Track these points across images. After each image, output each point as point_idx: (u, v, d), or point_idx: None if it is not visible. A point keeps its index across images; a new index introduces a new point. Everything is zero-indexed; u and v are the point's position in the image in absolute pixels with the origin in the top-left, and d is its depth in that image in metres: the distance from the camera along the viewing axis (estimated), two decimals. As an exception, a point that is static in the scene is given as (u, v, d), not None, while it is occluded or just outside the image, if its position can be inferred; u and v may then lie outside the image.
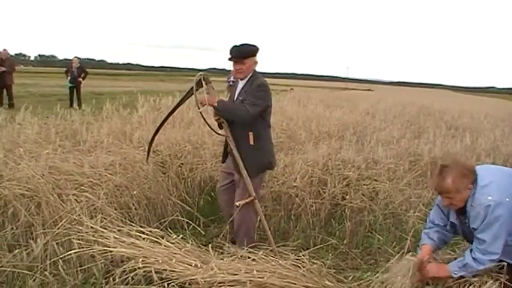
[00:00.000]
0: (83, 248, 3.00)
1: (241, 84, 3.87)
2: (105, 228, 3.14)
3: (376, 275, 3.06)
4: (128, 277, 2.79)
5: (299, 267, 2.88)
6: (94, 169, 4.21)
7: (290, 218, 4.64)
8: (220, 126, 3.85)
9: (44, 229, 3.38)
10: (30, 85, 24.60)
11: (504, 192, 2.60)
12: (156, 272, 2.75)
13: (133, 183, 4.33)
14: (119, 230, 3.16)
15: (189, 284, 2.72)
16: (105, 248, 2.94)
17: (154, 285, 2.77)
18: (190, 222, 3.83)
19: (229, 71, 4.25)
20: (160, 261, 2.81)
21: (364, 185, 4.97)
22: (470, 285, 2.62)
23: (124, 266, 2.83)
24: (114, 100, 8.45)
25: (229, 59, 3.79)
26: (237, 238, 3.94)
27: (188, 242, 3.13)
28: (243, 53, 3.73)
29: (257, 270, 2.75)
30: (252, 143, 3.73)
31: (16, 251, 3.20)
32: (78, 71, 15.21)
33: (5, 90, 13.96)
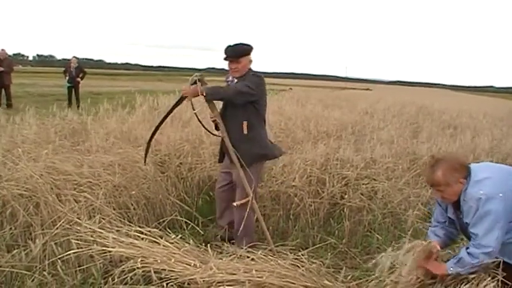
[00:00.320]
0: (81, 248, 3.00)
1: (236, 82, 3.91)
2: (104, 229, 3.15)
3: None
4: (126, 277, 2.79)
5: (298, 266, 2.88)
6: (93, 169, 4.21)
7: (289, 218, 4.64)
8: (217, 127, 3.86)
9: (43, 229, 3.37)
10: (29, 85, 24.57)
11: (498, 187, 2.61)
12: (155, 272, 2.75)
13: (132, 183, 4.33)
14: (117, 230, 3.16)
15: (188, 283, 2.72)
16: (104, 248, 2.94)
17: (153, 285, 2.76)
18: (189, 222, 3.83)
19: (228, 70, 4.27)
20: (159, 261, 2.81)
21: (362, 184, 4.97)
22: (468, 282, 2.61)
23: (123, 266, 2.83)
24: (112, 100, 8.45)
25: (225, 59, 3.84)
26: (236, 238, 3.94)
27: (187, 242, 3.13)
28: (238, 53, 3.78)
29: (256, 270, 2.75)
30: (245, 132, 3.76)
31: (15, 251, 3.20)
32: (76, 71, 15.19)
33: (3, 90, 13.95)
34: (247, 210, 3.80)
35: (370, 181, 5.03)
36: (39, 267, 3.09)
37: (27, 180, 3.70)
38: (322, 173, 5.11)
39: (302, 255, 2.99)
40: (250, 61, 3.89)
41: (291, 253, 3.04)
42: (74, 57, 15.69)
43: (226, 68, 3.95)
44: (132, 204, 4.13)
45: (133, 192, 4.20)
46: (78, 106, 12.64)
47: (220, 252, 3.23)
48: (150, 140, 4.25)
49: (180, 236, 3.17)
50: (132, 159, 4.69)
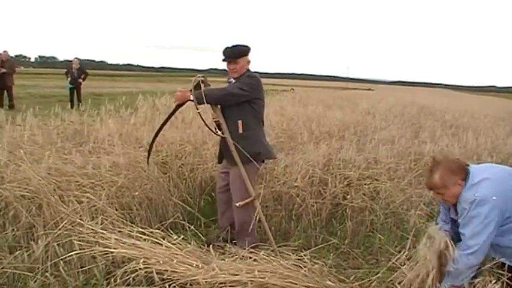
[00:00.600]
0: (84, 249, 3.00)
1: (234, 82, 3.95)
2: (106, 229, 3.16)
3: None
4: (129, 278, 2.80)
5: (300, 267, 2.88)
6: (95, 170, 4.21)
7: (291, 218, 4.64)
8: (219, 127, 3.87)
9: (45, 230, 3.38)
10: (31, 86, 24.59)
11: (494, 189, 2.61)
12: (157, 273, 2.76)
13: (135, 184, 4.33)
14: (119, 231, 3.17)
15: (190, 284, 2.73)
16: (106, 249, 2.95)
17: (155, 286, 2.77)
18: (191, 223, 3.83)
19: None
20: (161, 262, 2.81)
21: (365, 184, 4.97)
22: (471, 284, 2.61)
23: (125, 267, 2.83)
24: (114, 101, 8.45)
25: (223, 60, 3.89)
26: (238, 239, 3.94)
27: (189, 243, 3.14)
28: (236, 53, 3.83)
29: (258, 271, 2.75)
30: (240, 131, 3.79)
31: (17, 253, 3.21)
32: (78, 72, 15.21)
33: (5, 92, 13.98)
34: (248, 210, 3.81)
35: (373, 181, 5.02)
36: (42, 269, 3.10)
37: (30, 182, 3.71)
38: (324, 173, 5.11)
39: (304, 255, 2.99)
40: (248, 62, 3.93)
41: (293, 253, 3.04)
42: (76, 58, 15.71)
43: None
44: (134, 205, 4.13)
45: (136, 193, 4.21)
46: (80, 107, 12.65)
47: (223, 253, 3.23)
48: (152, 143, 4.26)
49: (182, 236, 3.18)
50: (135, 160, 4.69)
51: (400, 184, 5.00)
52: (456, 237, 3.01)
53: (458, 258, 2.62)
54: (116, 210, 3.82)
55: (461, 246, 2.65)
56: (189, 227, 3.82)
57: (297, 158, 5.37)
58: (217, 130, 3.87)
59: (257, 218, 3.97)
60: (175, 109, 3.98)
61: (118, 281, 2.83)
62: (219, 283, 2.68)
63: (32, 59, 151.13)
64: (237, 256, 3.03)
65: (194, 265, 2.82)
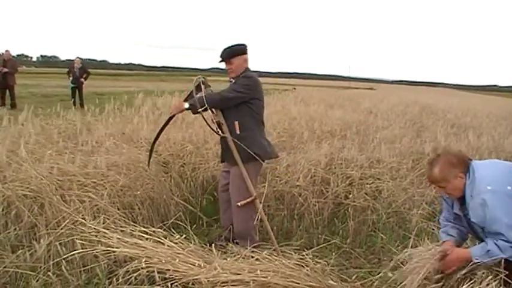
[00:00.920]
0: (86, 248, 3.00)
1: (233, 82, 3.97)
2: (108, 229, 3.15)
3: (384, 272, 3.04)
4: (131, 277, 2.80)
5: (302, 266, 2.87)
6: (97, 169, 4.21)
7: (293, 218, 4.64)
8: (220, 127, 3.88)
9: (47, 230, 3.38)
10: (32, 86, 24.62)
11: (504, 181, 2.59)
12: (159, 272, 2.76)
13: (136, 183, 4.34)
14: (122, 230, 3.17)
15: (192, 284, 2.72)
16: (108, 248, 2.95)
17: (157, 285, 2.77)
18: (193, 224, 3.83)
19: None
20: (163, 261, 2.81)
21: (367, 184, 4.97)
22: (470, 280, 2.60)
23: (127, 266, 2.83)
24: (115, 100, 8.44)
25: (220, 61, 3.95)
26: (239, 238, 3.94)
27: (191, 242, 3.13)
28: (230, 53, 3.87)
29: (261, 270, 2.75)
30: (238, 132, 3.80)
31: (19, 252, 3.21)
32: (80, 72, 15.22)
33: (7, 91, 14.00)
34: (248, 210, 3.82)
35: (375, 181, 5.03)
36: (44, 268, 3.09)
37: (32, 181, 3.71)
38: (327, 172, 5.11)
39: (306, 255, 2.98)
40: (245, 60, 3.94)
41: (295, 253, 3.03)
42: (78, 57, 15.72)
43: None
44: (136, 205, 4.14)
45: (138, 192, 4.21)
46: (81, 106, 12.67)
47: (225, 252, 3.22)
48: (154, 142, 4.28)
49: (184, 236, 3.17)
50: (136, 159, 4.69)
51: (402, 183, 4.99)
52: (461, 240, 3.00)
53: (500, 250, 2.53)
54: (118, 209, 3.83)
55: (502, 239, 2.55)
56: (191, 227, 3.82)
57: (299, 157, 5.37)
58: (218, 130, 3.88)
59: (259, 217, 3.97)
60: (169, 119, 4.08)
61: (120, 280, 2.83)
62: (221, 282, 2.67)
63: (34, 59, 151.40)
64: (239, 255, 3.02)
65: (196, 264, 2.82)
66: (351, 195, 4.79)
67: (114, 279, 2.90)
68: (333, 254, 3.72)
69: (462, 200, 2.76)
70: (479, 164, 2.74)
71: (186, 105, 3.76)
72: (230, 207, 4.06)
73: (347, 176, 5.12)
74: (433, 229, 4.05)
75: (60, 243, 3.20)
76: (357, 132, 8.05)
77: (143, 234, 3.08)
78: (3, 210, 3.53)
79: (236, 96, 3.77)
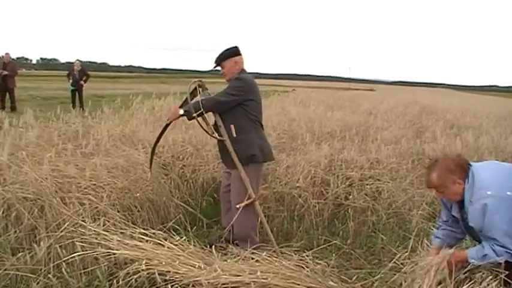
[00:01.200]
0: (86, 250, 3.01)
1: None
2: (108, 231, 3.16)
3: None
4: (131, 279, 2.80)
5: (303, 267, 2.88)
6: (96, 172, 4.22)
7: (293, 219, 4.64)
8: (217, 130, 3.89)
9: (47, 232, 3.38)
10: (32, 88, 24.61)
11: (504, 186, 2.58)
12: (159, 274, 2.76)
13: (136, 185, 4.34)
14: (122, 233, 3.17)
15: (193, 285, 2.73)
16: (109, 251, 2.96)
17: (157, 287, 2.77)
18: (193, 226, 3.83)
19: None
20: (163, 263, 2.82)
21: (367, 184, 4.97)
22: (470, 280, 2.60)
23: (127, 268, 2.84)
24: (115, 102, 8.45)
25: (214, 67, 4.01)
26: (239, 240, 3.94)
27: (191, 244, 3.14)
28: (220, 57, 3.93)
29: (261, 271, 2.75)
30: (234, 135, 3.82)
31: (19, 254, 3.21)
32: (80, 74, 15.22)
33: (7, 94, 14.01)
34: (247, 212, 3.82)
35: (375, 181, 5.03)
36: (44, 270, 3.10)
37: (32, 183, 3.71)
38: (327, 173, 5.11)
39: (307, 256, 2.99)
40: (236, 62, 3.95)
41: (295, 254, 3.03)
42: (78, 60, 15.73)
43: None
44: (136, 207, 4.14)
45: (138, 194, 4.21)
46: (81, 109, 12.68)
47: (225, 254, 3.23)
48: (153, 150, 4.29)
49: (184, 238, 3.18)
50: (136, 161, 4.70)
51: (402, 184, 5.00)
52: (452, 240, 3.01)
53: (496, 254, 2.54)
54: (118, 211, 3.83)
55: (498, 245, 2.56)
56: (191, 228, 3.83)
57: (298, 158, 5.37)
58: (214, 133, 3.90)
59: (259, 219, 3.98)
60: (166, 126, 4.12)
61: (120, 282, 2.83)
62: (222, 284, 2.68)
63: (34, 61, 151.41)
64: (239, 257, 3.03)
65: (196, 266, 2.82)
66: (351, 196, 4.80)
67: (115, 281, 2.90)
68: (333, 255, 3.73)
69: (461, 204, 2.76)
70: (478, 168, 2.73)
71: (181, 111, 3.79)
72: (231, 209, 4.06)
73: (347, 177, 5.12)
74: (433, 230, 4.05)
75: (60, 246, 3.20)
76: (357, 134, 8.04)
77: (143, 236, 3.09)
78: (3, 212, 3.54)
79: (228, 100, 3.79)
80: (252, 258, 2.98)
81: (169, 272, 2.76)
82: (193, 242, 3.25)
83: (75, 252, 3.05)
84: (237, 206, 3.77)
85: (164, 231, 3.25)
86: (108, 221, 3.39)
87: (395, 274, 3.07)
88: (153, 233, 3.11)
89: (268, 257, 2.96)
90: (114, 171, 4.36)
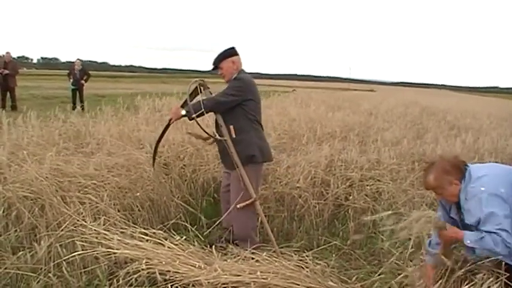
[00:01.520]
0: (86, 249, 3.01)
1: None
2: (109, 230, 3.17)
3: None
4: (131, 279, 2.80)
5: (303, 268, 2.88)
6: (97, 171, 4.22)
7: (293, 219, 4.64)
8: (218, 130, 3.90)
9: (48, 231, 3.38)
10: (33, 88, 24.63)
11: (499, 183, 2.59)
12: (159, 274, 2.76)
13: (137, 184, 4.34)
14: (122, 232, 3.18)
15: (193, 285, 2.73)
16: (109, 250, 2.96)
17: (158, 286, 2.77)
18: (193, 226, 3.84)
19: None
20: (163, 262, 2.82)
21: (367, 185, 4.97)
22: (471, 281, 2.60)
23: (128, 268, 2.84)
24: (116, 102, 8.46)
25: (213, 69, 4.03)
26: (238, 240, 3.94)
27: (192, 244, 3.14)
28: (217, 59, 3.96)
29: (261, 271, 2.75)
30: (234, 136, 3.83)
31: (20, 253, 3.21)
32: (80, 74, 15.22)
33: (8, 93, 14.02)
34: (247, 212, 3.83)
35: (375, 182, 5.03)
36: (44, 269, 3.10)
37: (32, 183, 3.71)
38: (327, 174, 5.11)
39: (307, 256, 2.99)
40: (234, 62, 3.96)
41: (295, 254, 3.04)
42: (78, 59, 15.73)
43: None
44: (136, 206, 4.14)
45: (138, 194, 4.21)
46: (82, 108, 12.70)
47: (225, 254, 3.23)
48: (156, 149, 4.30)
49: (184, 237, 3.19)
50: (136, 160, 4.70)
51: (403, 185, 5.00)
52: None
53: (494, 241, 2.49)
54: (118, 211, 3.83)
55: (496, 235, 2.51)
56: (191, 228, 3.83)
57: (299, 159, 5.37)
58: (215, 134, 3.90)
59: (259, 219, 3.98)
60: (167, 126, 4.14)
61: (121, 281, 2.83)
62: (222, 284, 2.68)
63: (34, 60, 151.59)
64: (239, 257, 3.03)
65: (196, 266, 2.82)
66: (351, 197, 4.80)
67: (115, 280, 2.90)
68: (333, 255, 3.73)
69: (459, 205, 2.77)
70: (475, 168, 2.75)
71: (183, 112, 3.79)
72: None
73: (347, 177, 5.12)
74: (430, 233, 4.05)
75: (60, 245, 3.20)
76: (357, 134, 8.05)
77: (143, 236, 3.10)
78: (3, 211, 3.54)
79: (228, 100, 3.79)
80: (252, 258, 2.98)
81: (170, 271, 2.77)
82: (194, 241, 3.26)
83: (75, 252, 3.05)
84: (238, 206, 3.77)
85: (164, 231, 3.26)
86: (109, 220, 3.40)
87: (394, 275, 3.08)
88: (154, 233, 3.11)
89: (268, 257, 2.97)
90: (115, 171, 4.36)
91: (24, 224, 3.50)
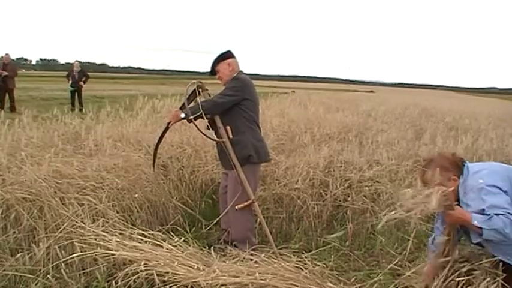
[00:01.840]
0: (85, 251, 3.01)
1: None
2: (107, 232, 3.16)
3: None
4: (130, 280, 2.80)
5: (301, 269, 2.88)
6: (96, 172, 4.22)
7: (292, 220, 4.64)
8: (216, 132, 3.91)
9: (46, 233, 3.38)
10: (32, 89, 24.62)
11: (497, 178, 2.59)
12: (158, 275, 2.76)
13: (135, 186, 4.34)
14: (121, 233, 3.17)
15: (191, 286, 2.72)
16: (108, 251, 2.95)
17: (156, 288, 2.77)
18: (192, 227, 3.84)
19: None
20: (162, 264, 2.82)
21: (365, 186, 4.97)
22: (468, 282, 2.60)
23: (126, 269, 2.83)
24: (114, 103, 8.44)
25: (210, 75, 4.09)
26: (237, 242, 3.94)
27: (190, 245, 3.14)
28: (213, 64, 4.03)
29: (259, 273, 2.75)
30: (231, 136, 3.85)
31: (18, 255, 3.21)
32: (79, 75, 15.24)
33: (7, 94, 14.02)
34: (244, 213, 3.83)
35: (374, 183, 5.03)
36: (43, 271, 3.10)
37: (31, 184, 3.71)
38: (325, 175, 5.12)
39: (305, 257, 2.99)
40: (229, 64, 3.99)
41: (294, 256, 3.03)
42: (77, 61, 15.75)
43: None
44: (135, 207, 4.14)
45: (137, 195, 4.21)
46: (81, 110, 12.69)
47: (224, 255, 3.23)
48: (156, 151, 4.30)
49: (183, 239, 3.18)
50: (135, 162, 4.70)
51: (401, 186, 4.99)
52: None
53: (502, 221, 2.40)
54: (117, 212, 3.83)
55: (505, 216, 2.44)
56: (190, 229, 3.83)
57: (297, 160, 5.38)
58: (213, 136, 3.91)
59: (257, 220, 3.98)
60: (166, 128, 4.13)
61: (119, 283, 2.83)
62: (220, 285, 2.68)
63: (33, 62, 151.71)
64: (237, 258, 3.04)
65: (195, 267, 2.82)
66: (349, 198, 4.80)
67: (113, 282, 2.89)
68: (332, 256, 3.72)
69: (458, 202, 2.76)
70: (474, 164, 2.76)
71: (182, 115, 3.80)
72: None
73: (346, 178, 5.12)
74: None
75: (59, 247, 3.20)
76: (356, 135, 8.05)
77: (142, 237, 3.09)
78: (2, 213, 3.54)
79: (227, 100, 3.81)
80: (251, 260, 2.98)
81: (168, 273, 2.76)
82: (192, 243, 3.26)
83: (74, 253, 3.04)
84: (237, 208, 3.77)
85: (163, 232, 3.26)
86: (107, 222, 3.40)
87: (393, 276, 3.08)
88: (152, 234, 3.11)
89: (267, 258, 2.96)
90: (113, 172, 4.36)
91: (23, 226, 3.49)
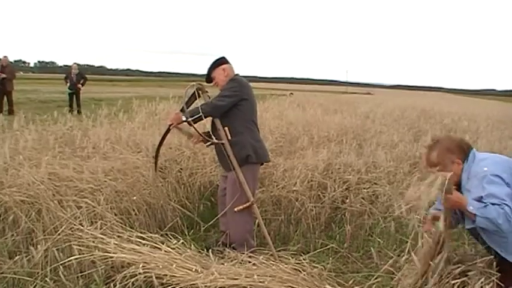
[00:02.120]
0: (83, 254, 3.01)
1: None
2: (106, 234, 3.17)
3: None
4: (128, 283, 2.80)
5: (299, 271, 2.88)
6: (94, 175, 4.21)
7: (290, 222, 4.64)
8: (215, 134, 3.92)
9: (45, 235, 3.38)
10: (30, 91, 24.65)
11: (500, 168, 2.59)
12: (156, 278, 2.76)
13: (133, 188, 4.33)
14: (119, 236, 3.18)
15: (190, 289, 2.73)
16: (106, 254, 2.95)
17: (154, 290, 2.77)
18: (190, 230, 3.84)
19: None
20: (160, 266, 2.82)
21: (364, 188, 4.97)
22: (463, 282, 2.60)
23: (124, 272, 2.83)
24: (113, 106, 8.45)
25: (208, 82, 4.12)
26: (235, 244, 3.94)
27: (188, 247, 3.14)
28: (208, 71, 4.07)
29: (258, 275, 2.75)
30: (229, 137, 3.85)
31: (17, 258, 3.21)
32: (77, 77, 15.24)
33: (5, 97, 14.01)
34: (243, 215, 3.83)
35: (372, 185, 5.03)
36: (41, 273, 3.10)
37: (29, 187, 3.71)
38: (324, 177, 5.11)
39: (303, 259, 2.99)
40: (224, 69, 4.02)
41: (292, 258, 3.04)
42: (75, 63, 15.76)
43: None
44: (133, 210, 4.13)
45: (135, 197, 4.21)
46: (79, 112, 12.68)
47: (222, 257, 3.23)
48: (157, 153, 4.31)
49: (181, 241, 3.18)
50: (133, 164, 4.69)
51: (399, 188, 5.00)
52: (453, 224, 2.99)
53: (496, 211, 2.41)
54: (115, 215, 3.82)
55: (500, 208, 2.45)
56: (188, 232, 3.83)
57: (296, 162, 5.37)
58: (212, 137, 3.91)
59: (256, 222, 3.98)
60: (167, 130, 4.14)
61: (117, 285, 2.82)
62: (219, 287, 2.68)
63: (32, 64, 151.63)
64: (236, 260, 3.04)
65: (193, 269, 2.82)
66: (348, 200, 4.79)
67: (112, 284, 2.90)
68: (330, 258, 3.73)
69: (458, 188, 2.76)
70: (479, 153, 2.77)
71: (184, 117, 3.80)
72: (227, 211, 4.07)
73: (344, 180, 5.12)
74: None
75: (57, 249, 3.20)
76: (354, 137, 8.05)
77: (140, 240, 3.10)
78: (0, 216, 3.54)
79: (225, 102, 3.82)
80: (249, 262, 2.98)
81: (166, 275, 2.76)
82: (191, 245, 3.26)
83: (72, 256, 3.04)
84: (235, 210, 3.77)
85: (161, 235, 3.26)
86: (105, 225, 3.39)
87: (392, 278, 3.08)
88: (150, 237, 3.11)
89: (265, 260, 2.97)
90: (112, 175, 4.35)
91: (21, 228, 3.49)
